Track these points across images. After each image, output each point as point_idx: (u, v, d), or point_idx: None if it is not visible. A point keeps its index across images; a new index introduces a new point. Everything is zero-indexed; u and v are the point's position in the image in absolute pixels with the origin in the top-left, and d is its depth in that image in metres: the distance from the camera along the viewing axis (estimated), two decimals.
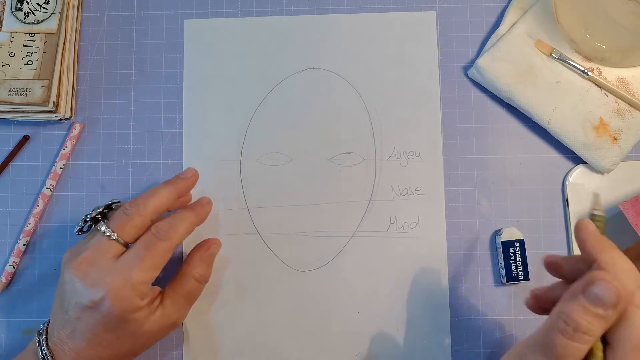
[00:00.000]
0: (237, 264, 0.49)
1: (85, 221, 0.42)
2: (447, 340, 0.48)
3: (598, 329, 0.30)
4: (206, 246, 0.45)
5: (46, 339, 0.40)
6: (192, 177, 0.45)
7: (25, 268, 0.50)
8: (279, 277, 0.49)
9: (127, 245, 0.41)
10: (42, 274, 0.50)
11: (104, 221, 0.41)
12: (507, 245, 0.47)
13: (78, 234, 0.43)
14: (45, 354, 0.39)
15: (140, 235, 0.41)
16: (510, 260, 0.47)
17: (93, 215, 0.42)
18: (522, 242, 0.47)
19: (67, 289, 0.40)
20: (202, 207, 0.45)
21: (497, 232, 0.48)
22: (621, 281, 0.31)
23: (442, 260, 0.49)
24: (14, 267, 0.49)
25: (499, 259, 0.48)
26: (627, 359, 0.30)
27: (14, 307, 0.49)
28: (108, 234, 0.40)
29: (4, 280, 0.49)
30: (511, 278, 0.47)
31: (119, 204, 0.43)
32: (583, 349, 0.30)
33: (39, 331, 0.42)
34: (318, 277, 0.49)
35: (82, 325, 0.39)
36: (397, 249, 0.49)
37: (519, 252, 0.47)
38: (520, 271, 0.47)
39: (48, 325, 0.42)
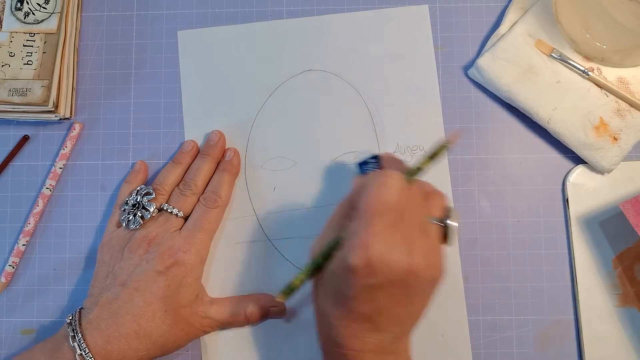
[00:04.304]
0: (250, 271, 0.49)
1: (129, 211, 0.46)
2: (466, 332, 0.48)
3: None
4: (272, 303, 0.47)
5: (79, 322, 0.43)
6: (220, 141, 0.49)
7: (25, 268, 0.50)
8: None
9: (185, 219, 0.47)
10: (42, 274, 0.50)
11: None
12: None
13: (125, 225, 0.46)
14: (77, 332, 0.42)
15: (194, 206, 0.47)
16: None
17: (130, 204, 0.47)
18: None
19: (131, 263, 0.44)
20: (232, 163, 0.49)
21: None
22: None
23: (454, 250, 0.48)
24: (14, 267, 0.49)
25: None
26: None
27: (14, 307, 0.49)
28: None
29: (3, 280, 0.49)
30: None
31: (144, 191, 0.47)
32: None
33: (70, 315, 0.44)
34: None
35: (137, 295, 0.43)
36: None
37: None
38: None
39: (81, 310, 0.44)
